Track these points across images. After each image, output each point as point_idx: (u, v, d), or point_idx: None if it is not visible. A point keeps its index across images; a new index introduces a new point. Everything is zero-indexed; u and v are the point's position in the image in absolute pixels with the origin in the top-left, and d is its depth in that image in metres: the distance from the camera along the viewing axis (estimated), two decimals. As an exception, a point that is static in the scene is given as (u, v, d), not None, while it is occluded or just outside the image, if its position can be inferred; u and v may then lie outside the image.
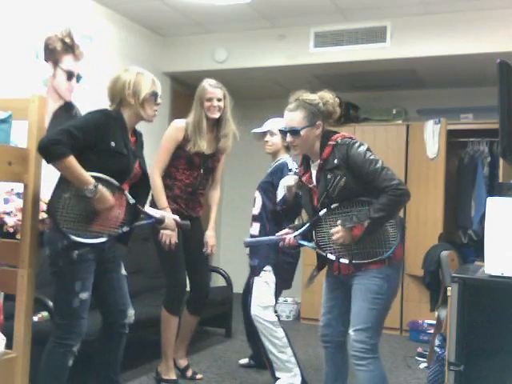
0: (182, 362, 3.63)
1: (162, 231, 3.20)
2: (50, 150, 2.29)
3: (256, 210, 3.54)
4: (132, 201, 2.54)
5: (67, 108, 4.36)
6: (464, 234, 5.38)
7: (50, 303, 3.02)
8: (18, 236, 2.70)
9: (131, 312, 2.68)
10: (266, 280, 3.43)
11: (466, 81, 5.39)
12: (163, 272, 3.49)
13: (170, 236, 3.23)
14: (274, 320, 3.40)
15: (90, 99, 4.51)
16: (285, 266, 3.46)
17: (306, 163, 2.62)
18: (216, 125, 3.43)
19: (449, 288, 2.34)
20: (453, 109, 5.42)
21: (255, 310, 3.44)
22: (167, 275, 3.43)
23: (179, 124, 3.37)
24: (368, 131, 5.38)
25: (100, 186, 2.36)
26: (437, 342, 3.42)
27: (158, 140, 3.45)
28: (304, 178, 2.60)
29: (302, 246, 2.63)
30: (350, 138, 2.50)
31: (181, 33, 5.48)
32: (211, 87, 3.37)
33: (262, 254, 3.43)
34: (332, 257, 2.49)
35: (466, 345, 2.10)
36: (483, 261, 2.13)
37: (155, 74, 5.39)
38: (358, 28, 4.91)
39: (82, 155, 2.37)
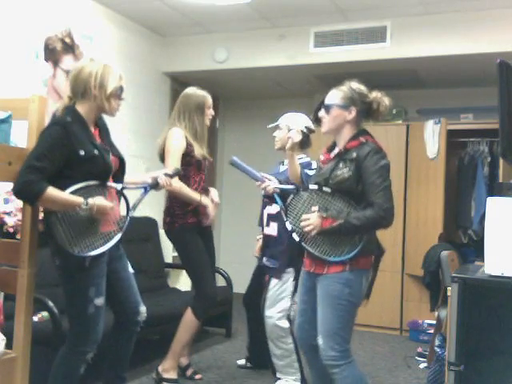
0: (184, 361, 3.62)
1: (207, 211, 3.31)
2: (26, 193, 2.24)
3: (274, 209, 3.38)
4: (119, 186, 2.48)
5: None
6: (464, 234, 5.38)
7: (50, 303, 3.03)
8: (18, 236, 2.70)
9: (143, 309, 2.67)
10: (284, 283, 3.36)
11: (466, 81, 5.39)
12: (192, 278, 3.46)
13: (212, 212, 3.34)
14: (285, 327, 3.36)
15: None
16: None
17: (332, 147, 2.65)
18: None
19: (449, 288, 2.34)
20: (453, 109, 5.42)
21: (269, 313, 3.38)
22: (198, 281, 3.41)
23: (181, 132, 3.35)
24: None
25: (91, 200, 2.29)
26: (437, 342, 3.43)
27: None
28: (323, 157, 2.63)
29: (273, 199, 2.67)
30: (381, 148, 2.52)
31: (181, 33, 5.48)
32: (208, 96, 3.45)
33: (284, 256, 3.34)
34: (289, 226, 2.51)
35: (465, 345, 2.10)
36: (483, 261, 2.13)
37: (155, 73, 5.49)
38: (358, 28, 4.91)
39: (58, 174, 2.30)
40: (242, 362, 3.95)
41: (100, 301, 2.42)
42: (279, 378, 3.41)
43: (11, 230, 3.27)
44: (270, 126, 3.60)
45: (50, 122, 2.39)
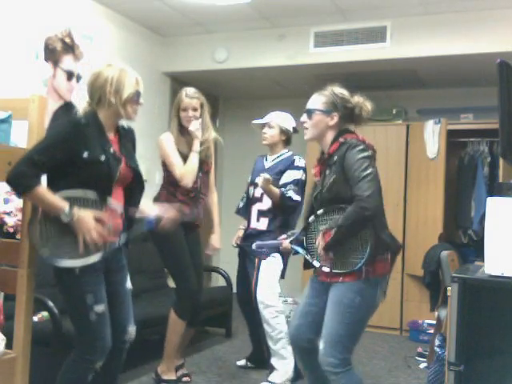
0: (176, 362, 3.59)
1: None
2: (16, 184, 2.24)
3: (265, 205, 3.58)
4: (119, 208, 2.40)
5: (67, 108, 4.35)
6: (464, 234, 5.38)
7: (50, 303, 3.03)
8: (18, 236, 2.70)
9: (132, 329, 2.57)
10: (273, 267, 3.51)
11: (466, 81, 5.39)
12: (172, 276, 3.46)
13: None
14: (279, 308, 3.47)
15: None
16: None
17: (321, 156, 2.60)
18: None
19: (449, 288, 2.34)
20: (453, 109, 5.42)
21: (261, 295, 3.47)
22: (176, 278, 3.40)
23: (167, 135, 3.39)
24: (368, 131, 5.34)
25: (75, 209, 2.24)
26: (437, 342, 3.42)
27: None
28: (314, 171, 2.60)
29: (297, 252, 2.62)
30: (361, 140, 2.47)
31: (181, 33, 5.48)
32: (187, 98, 3.38)
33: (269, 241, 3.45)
34: (316, 264, 2.48)
35: (465, 345, 2.10)
36: (483, 261, 2.13)
37: (155, 74, 5.48)
38: (358, 28, 4.91)
39: (59, 170, 2.29)
40: (242, 362, 3.95)
41: (100, 308, 2.36)
42: (274, 368, 3.44)
43: (11, 230, 3.27)
44: (255, 121, 3.69)
45: (64, 120, 2.39)
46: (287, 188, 3.46)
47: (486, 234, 2.10)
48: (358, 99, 2.54)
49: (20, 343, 2.38)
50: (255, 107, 6.69)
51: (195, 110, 3.36)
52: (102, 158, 2.32)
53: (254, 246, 3.07)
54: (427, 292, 4.65)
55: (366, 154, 2.39)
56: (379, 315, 5.47)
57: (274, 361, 3.47)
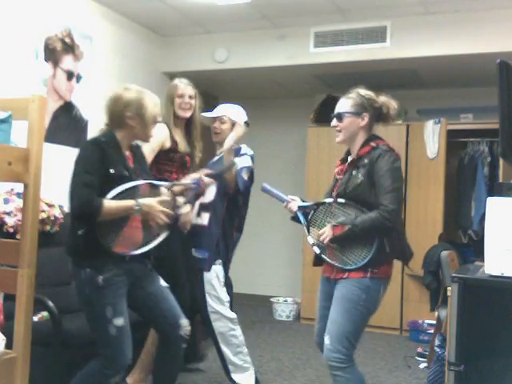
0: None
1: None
2: (86, 213, 2.31)
3: (207, 199, 3.29)
4: (167, 184, 2.55)
5: (67, 108, 4.36)
6: (464, 234, 5.39)
7: (50, 303, 3.02)
8: (18, 236, 2.70)
9: (184, 321, 2.57)
10: (216, 274, 3.25)
11: (466, 81, 5.39)
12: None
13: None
14: (232, 317, 3.25)
15: (90, 99, 4.51)
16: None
17: (345, 156, 2.66)
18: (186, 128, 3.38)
19: (449, 288, 2.34)
20: (453, 109, 5.42)
21: (212, 307, 3.23)
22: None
23: (162, 126, 3.19)
24: (368, 131, 5.38)
25: (140, 201, 2.38)
26: (437, 342, 3.43)
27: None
28: (337, 169, 2.65)
29: (297, 218, 2.63)
30: (393, 150, 2.52)
31: (181, 33, 5.48)
32: (180, 84, 3.35)
33: (211, 246, 3.25)
34: (311, 241, 2.53)
35: (466, 345, 2.10)
36: (483, 261, 2.13)
37: (155, 74, 5.49)
38: (358, 28, 4.91)
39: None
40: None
41: (119, 321, 2.38)
42: (236, 382, 3.25)
43: (11, 230, 3.27)
44: (205, 114, 3.43)
45: (85, 142, 2.51)
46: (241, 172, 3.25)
47: (486, 234, 2.10)
48: (383, 98, 2.58)
49: (20, 343, 2.38)
50: (255, 107, 6.69)
51: (191, 97, 3.33)
52: (126, 173, 2.44)
53: (262, 188, 2.79)
54: (427, 292, 4.65)
55: (397, 164, 2.46)
56: (379, 315, 5.47)
57: (234, 376, 3.24)
